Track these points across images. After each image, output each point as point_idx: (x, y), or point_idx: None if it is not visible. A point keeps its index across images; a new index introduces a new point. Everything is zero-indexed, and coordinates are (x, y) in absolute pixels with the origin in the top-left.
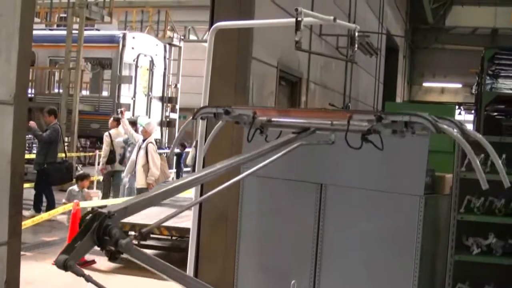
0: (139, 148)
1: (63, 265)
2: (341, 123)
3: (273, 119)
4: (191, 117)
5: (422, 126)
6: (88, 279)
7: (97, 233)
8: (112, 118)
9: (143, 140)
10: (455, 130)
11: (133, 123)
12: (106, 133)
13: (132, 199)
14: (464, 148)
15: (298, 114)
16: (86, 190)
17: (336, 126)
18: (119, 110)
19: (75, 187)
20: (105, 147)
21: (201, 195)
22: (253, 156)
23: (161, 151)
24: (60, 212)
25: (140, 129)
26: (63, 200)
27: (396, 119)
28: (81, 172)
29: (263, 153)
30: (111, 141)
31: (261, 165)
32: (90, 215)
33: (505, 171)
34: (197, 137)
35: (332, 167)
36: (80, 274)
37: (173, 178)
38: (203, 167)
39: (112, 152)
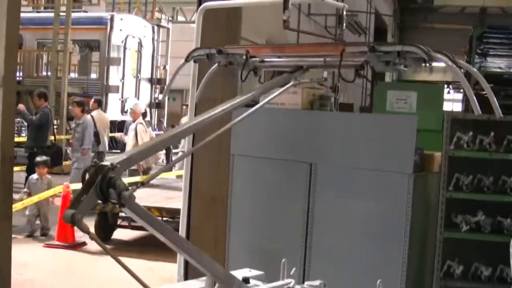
0: (130, 130)
1: (71, 220)
2: (334, 60)
3: (266, 60)
4: (184, 60)
5: (415, 56)
6: (92, 237)
7: (101, 186)
8: (93, 100)
9: (133, 122)
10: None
11: (99, 102)
12: (88, 116)
13: (134, 149)
14: (458, 77)
15: (292, 50)
16: (48, 176)
17: (329, 62)
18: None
19: (34, 175)
20: None
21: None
22: (247, 98)
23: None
24: (51, 194)
25: (129, 111)
26: (24, 190)
27: (389, 49)
28: (39, 158)
29: (257, 95)
30: (94, 122)
31: (256, 106)
32: (93, 168)
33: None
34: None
35: (321, 146)
36: (85, 231)
37: (163, 160)
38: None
39: (95, 134)
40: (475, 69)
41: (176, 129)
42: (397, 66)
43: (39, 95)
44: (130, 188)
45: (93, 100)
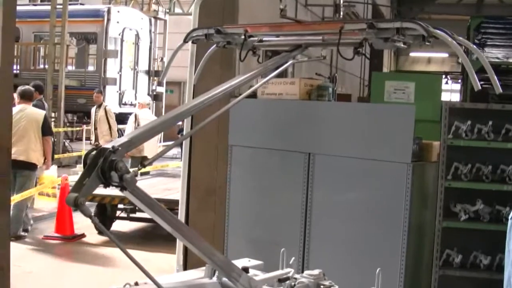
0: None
1: (74, 203)
2: (332, 38)
3: (264, 39)
4: (183, 41)
5: (415, 33)
6: (94, 221)
7: (102, 168)
8: (97, 92)
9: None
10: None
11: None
12: (93, 109)
13: (134, 131)
14: (457, 51)
15: (290, 28)
16: None
17: (328, 41)
18: None
19: None
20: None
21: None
22: (247, 78)
23: None
24: (49, 186)
25: (137, 105)
26: None
27: (388, 26)
28: None
29: (257, 74)
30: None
31: (256, 86)
32: (94, 151)
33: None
34: None
35: (320, 136)
36: (87, 214)
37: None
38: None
39: None
40: (474, 46)
41: (175, 110)
42: (396, 43)
43: (33, 87)
44: (131, 170)
45: (97, 92)
